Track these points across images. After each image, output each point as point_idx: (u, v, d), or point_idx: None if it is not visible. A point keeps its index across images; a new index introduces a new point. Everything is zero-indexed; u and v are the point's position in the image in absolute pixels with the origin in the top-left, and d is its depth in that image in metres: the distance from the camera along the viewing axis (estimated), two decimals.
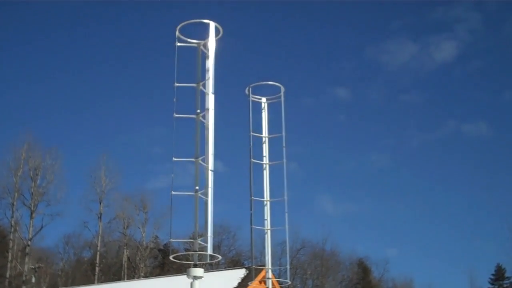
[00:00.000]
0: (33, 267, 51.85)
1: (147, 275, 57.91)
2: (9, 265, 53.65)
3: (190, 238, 10.21)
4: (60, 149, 59.76)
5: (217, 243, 65.97)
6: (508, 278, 77.33)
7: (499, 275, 77.73)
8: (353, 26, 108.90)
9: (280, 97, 14.06)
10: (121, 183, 78.47)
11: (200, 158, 10.29)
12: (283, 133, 13.87)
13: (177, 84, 10.75)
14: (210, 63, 10.78)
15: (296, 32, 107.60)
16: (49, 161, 55.83)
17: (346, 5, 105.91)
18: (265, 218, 13.42)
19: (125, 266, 61.34)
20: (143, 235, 61.92)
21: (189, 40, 11.07)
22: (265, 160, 13.80)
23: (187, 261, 10.03)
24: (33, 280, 53.14)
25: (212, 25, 10.97)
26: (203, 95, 10.70)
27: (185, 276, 9.90)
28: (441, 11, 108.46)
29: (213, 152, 10.28)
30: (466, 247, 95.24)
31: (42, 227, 53.87)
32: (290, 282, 16.28)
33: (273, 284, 13.93)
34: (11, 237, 54.94)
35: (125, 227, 61.86)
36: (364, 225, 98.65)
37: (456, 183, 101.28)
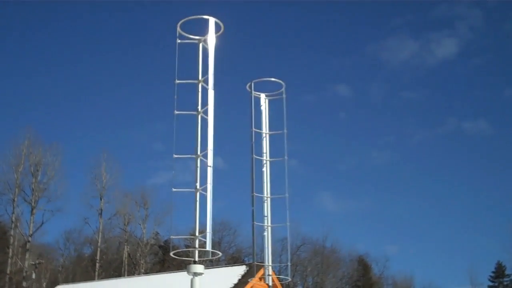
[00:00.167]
0: (33, 263, 51.88)
1: (147, 272, 57.99)
2: (9, 261, 53.70)
3: (191, 235, 10.19)
4: (60, 145, 59.82)
5: (218, 239, 66.04)
6: (509, 275, 77.38)
7: (499, 272, 77.73)
8: (354, 23, 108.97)
9: (281, 93, 14.03)
10: (122, 179, 78.84)
11: (200, 154, 10.27)
12: (285, 130, 13.85)
13: (178, 81, 10.73)
14: (210, 59, 10.76)
15: (296, 28, 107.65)
16: (49, 157, 55.92)
17: (347, 2, 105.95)
18: (265, 214, 13.39)
19: (126, 262, 61.38)
20: (144, 231, 62.06)
21: (190, 36, 11.05)
22: (265, 156, 13.78)
23: (187, 257, 10.01)
24: (34, 276, 53.20)
25: (212, 20, 10.94)
26: (204, 91, 10.68)
27: (185, 272, 9.90)
28: (442, 8, 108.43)
29: (212, 148, 10.26)
30: (467, 244, 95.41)
31: (42, 223, 54.00)
32: (290, 279, 16.28)
33: (273, 281, 13.91)
34: (12, 233, 55.01)
35: (126, 223, 61.93)
36: (364, 222, 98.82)
37: (456, 181, 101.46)
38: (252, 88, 13.87)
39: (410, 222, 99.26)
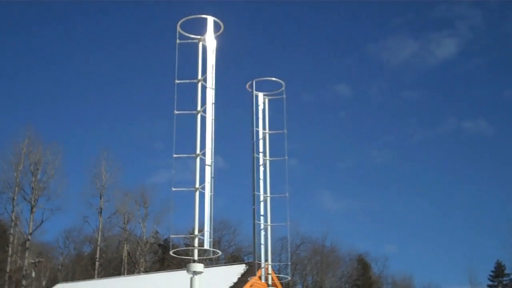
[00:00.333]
0: (33, 261, 51.87)
1: (147, 270, 58.02)
2: (9, 259, 53.68)
3: (190, 234, 10.21)
4: (60, 144, 59.73)
5: (217, 238, 66.00)
6: (508, 275, 77.40)
7: (498, 271, 77.75)
8: (354, 23, 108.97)
9: (281, 93, 14.04)
10: (122, 178, 78.75)
11: (200, 153, 10.28)
12: (285, 130, 13.86)
13: (178, 81, 10.73)
14: (209, 58, 10.76)
15: (297, 28, 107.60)
16: (49, 156, 55.81)
17: (347, 2, 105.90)
18: (264, 213, 13.40)
19: (125, 261, 61.40)
20: (143, 230, 62.03)
21: (189, 35, 11.05)
22: (265, 155, 13.79)
23: (187, 256, 10.03)
24: (33, 274, 53.21)
25: (211, 20, 10.94)
26: (204, 90, 10.69)
27: (185, 271, 9.91)
28: (442, 8, 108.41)
29: (211, 147, 10.27)
30: (466, 243, 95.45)
31: (42, 221, 53.88)
32: (290, 278, 16.31)
33: (273, 279, 13.93)
34: (12, 231, 54.97)
35: (125, 222, 61.91)
36: (364, 221, 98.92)
37: (456, 180, 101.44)
38: (254, 87, 13.88)
39: (409, 221, 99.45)
